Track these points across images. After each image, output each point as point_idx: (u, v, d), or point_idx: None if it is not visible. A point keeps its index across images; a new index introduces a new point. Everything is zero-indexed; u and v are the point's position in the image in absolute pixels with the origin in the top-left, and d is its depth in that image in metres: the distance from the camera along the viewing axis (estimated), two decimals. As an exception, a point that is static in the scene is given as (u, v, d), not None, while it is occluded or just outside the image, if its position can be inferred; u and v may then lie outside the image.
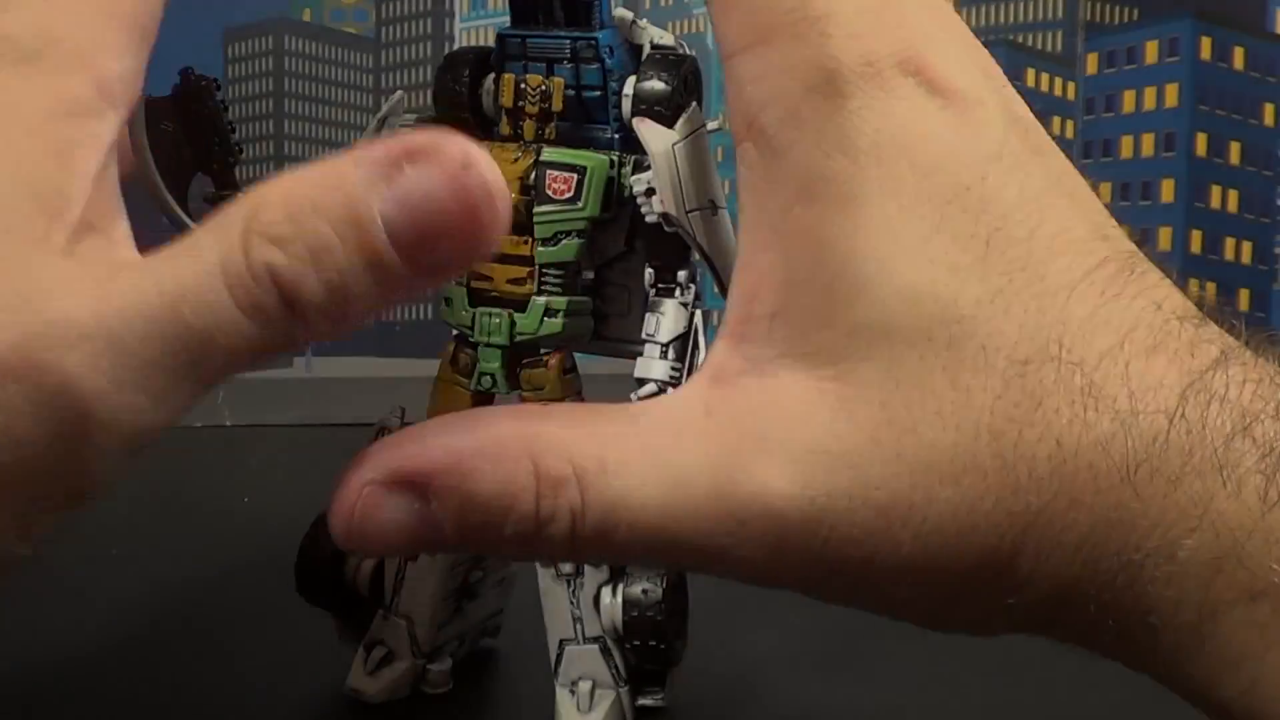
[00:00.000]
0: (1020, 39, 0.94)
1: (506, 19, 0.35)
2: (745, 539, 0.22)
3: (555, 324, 0.35)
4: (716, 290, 0.34)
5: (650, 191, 0.34)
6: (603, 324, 0.38)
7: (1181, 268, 0.86)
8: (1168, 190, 0.87)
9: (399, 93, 0.37)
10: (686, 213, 0.33)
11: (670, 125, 0.34)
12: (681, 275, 0.35)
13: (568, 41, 0.34)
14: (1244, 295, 0.83)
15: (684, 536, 0.22)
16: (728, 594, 0.36)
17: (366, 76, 0.87)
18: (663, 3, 0.91)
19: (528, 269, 0.35)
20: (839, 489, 0.22)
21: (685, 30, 0.91)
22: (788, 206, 0.23)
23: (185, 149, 0.33)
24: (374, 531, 0.22)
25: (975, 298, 0.22)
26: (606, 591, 0.36)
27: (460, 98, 0.36)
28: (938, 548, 0.21)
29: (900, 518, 0.21)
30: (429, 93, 0.37)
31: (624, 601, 0.36)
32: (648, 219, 0.34)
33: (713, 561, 0.23)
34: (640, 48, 0.35)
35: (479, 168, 0.20)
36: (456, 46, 0.83)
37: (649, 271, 0.36)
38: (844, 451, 0.22)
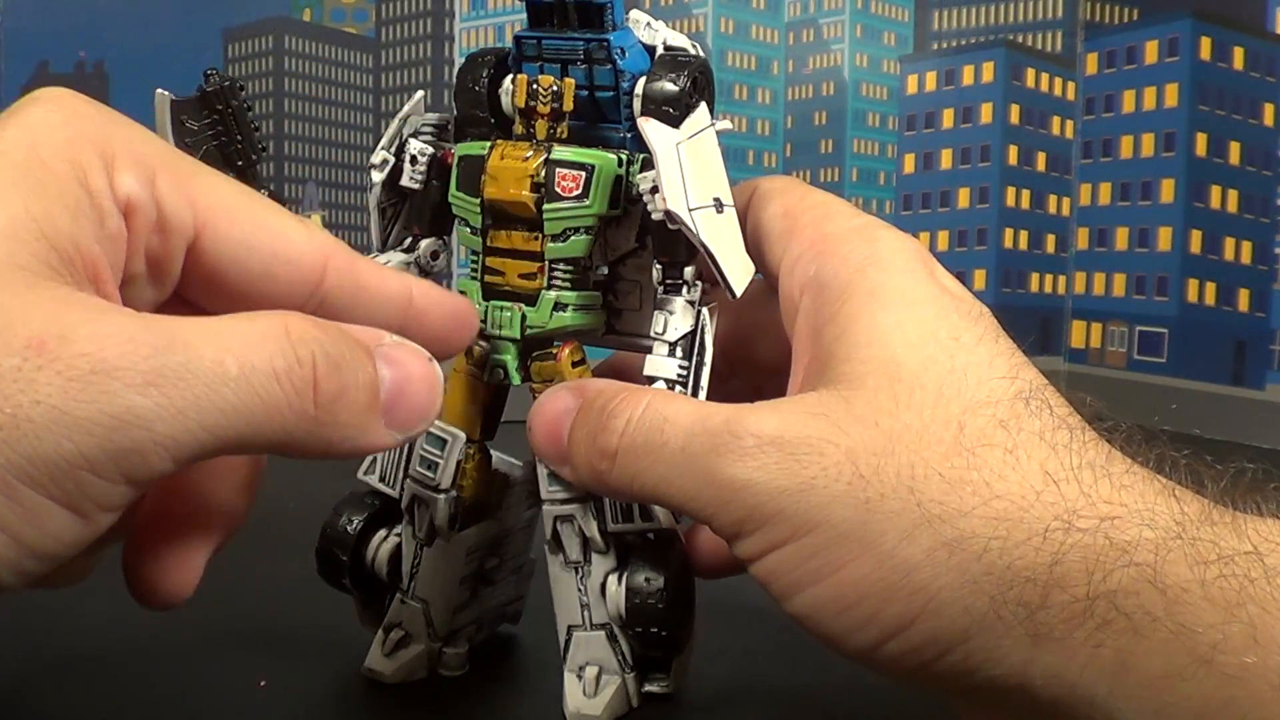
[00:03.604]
0: (1020, 39, 0.95)
1: (506, 19, 0.36)
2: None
3: (565, 318, 0.36)
4: (723, 287, 0.35)
5: (655, 189, 0.34)
6: (615, 318, 0.38)
7: (1181, 267, 0.86)
8: (1168, 190, 0.87)
9: (420, 93, 0.38)
10: (690, 210, 0.34)
11: (677, 125, 0.35)
12: (688, 272, 0.36)
13: (581, 43, 0.35)
14: (1244, 295, 0.83)
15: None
16: (733, 586, 0.37)
17: (366, 76, 0.87)
18: (663, 3, 0.91)
19: (538, 264, 0.36)
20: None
21: (684, 30, 0.91)
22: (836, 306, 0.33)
23: (209, 147, 0.34)
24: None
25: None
26: (613, 579, 0.37)
27: (480, 98, 0.37)
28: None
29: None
30: (431, 93, 0.38)
31: (627, 589, 0.36)
32: (653, 216, 0.34)
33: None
34: (654, 49, 0.36)
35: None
36: (457, 46, 0.83)
37: (656, 268, 0.36)
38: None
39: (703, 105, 0.35)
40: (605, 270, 0.37)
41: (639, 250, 0.37)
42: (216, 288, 0.29)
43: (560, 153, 0.35)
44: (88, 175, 0.26)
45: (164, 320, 0.25)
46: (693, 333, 0.36)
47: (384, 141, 0.38)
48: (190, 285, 0.29)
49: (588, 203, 0.35)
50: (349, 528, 0.40)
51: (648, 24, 0.36)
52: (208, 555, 0.30)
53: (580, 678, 0.38)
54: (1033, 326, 0.94)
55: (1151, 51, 0.88)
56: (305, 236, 0.30)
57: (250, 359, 0.25)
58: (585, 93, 0.36)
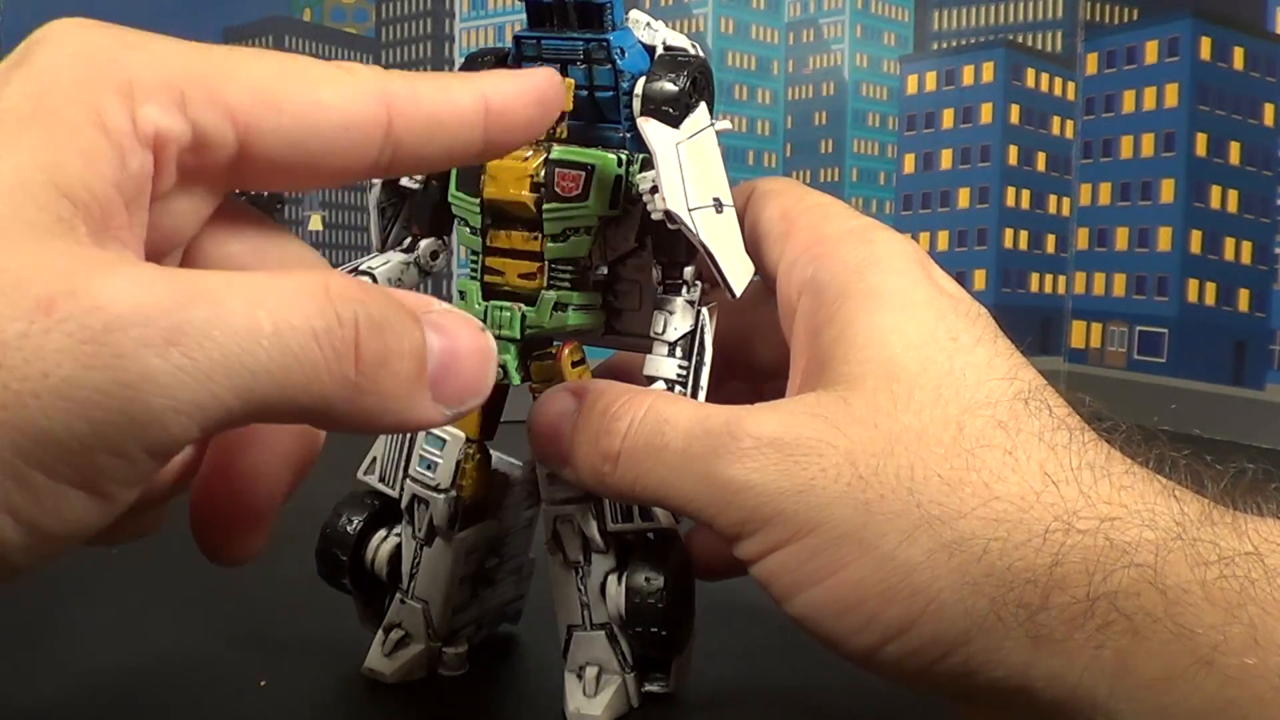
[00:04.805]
0: (1020, 39, 0.95)
1: (506, 19, 0.36)
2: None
3: (564, 318, 0.36)
4: (722, 287, 0.35)
5: (655, 189, 0.34)
6: (615, 318, 0.38)
7: (1181, 267, 0.86)
8: (1168, 190, 0.87)
9: None
10: (690, 210, 0.34)
11: (676, 125, 0.35)
12: (688, 272, 0.36)
13: (581, 43, 0.35)
14: (1244, 295, 0.83)
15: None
16: (733, 586, 0.37)
17: (366, 76, 0.87)
18: (663, 3, 0.91)
19: (538, 264, 0.36)
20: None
21: (684, 30, 0.92)
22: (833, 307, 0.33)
23: None
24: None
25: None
26: (613, 579, 0.37)
27: None
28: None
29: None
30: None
31: (627, 588, 0.36)
32: (653, 216, 0.34)
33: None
34: (654, 49, 0.36)
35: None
36: (457, 46, 0.83)
37: (656, 268, 0.36)
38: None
39: (702, 105, 0.35)
40: (605, 270, 0.37)
41: (639, 250, 0.37)
42: (279, 173, 0.27)
43: (560, 153, 0.35)
44: (103, 116, 0.24)
45: (188, 273, 0.22)
46: (692, 333, 0.36)
47: (384, 141, 0.38)
48: (249, 179, 0.27)
49: (587, 203, 0.35)
50: (349, 528, 0.40)
51: (647, 24, 0.36)
52: (275, 510, 0.28)
53: (580, 678, 0.38)
54: (1033, 326, 0.94)
55: (1151, 51, 0.88)
56: (360, 93, 0.26)
57: (286, 316, 0.22)
58: (585, 93, 0.36)
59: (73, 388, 0.21)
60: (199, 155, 0.26)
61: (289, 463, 0.28)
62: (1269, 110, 0.80)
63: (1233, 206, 0.83)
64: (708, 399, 0.35)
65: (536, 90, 0.29)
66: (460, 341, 0.26)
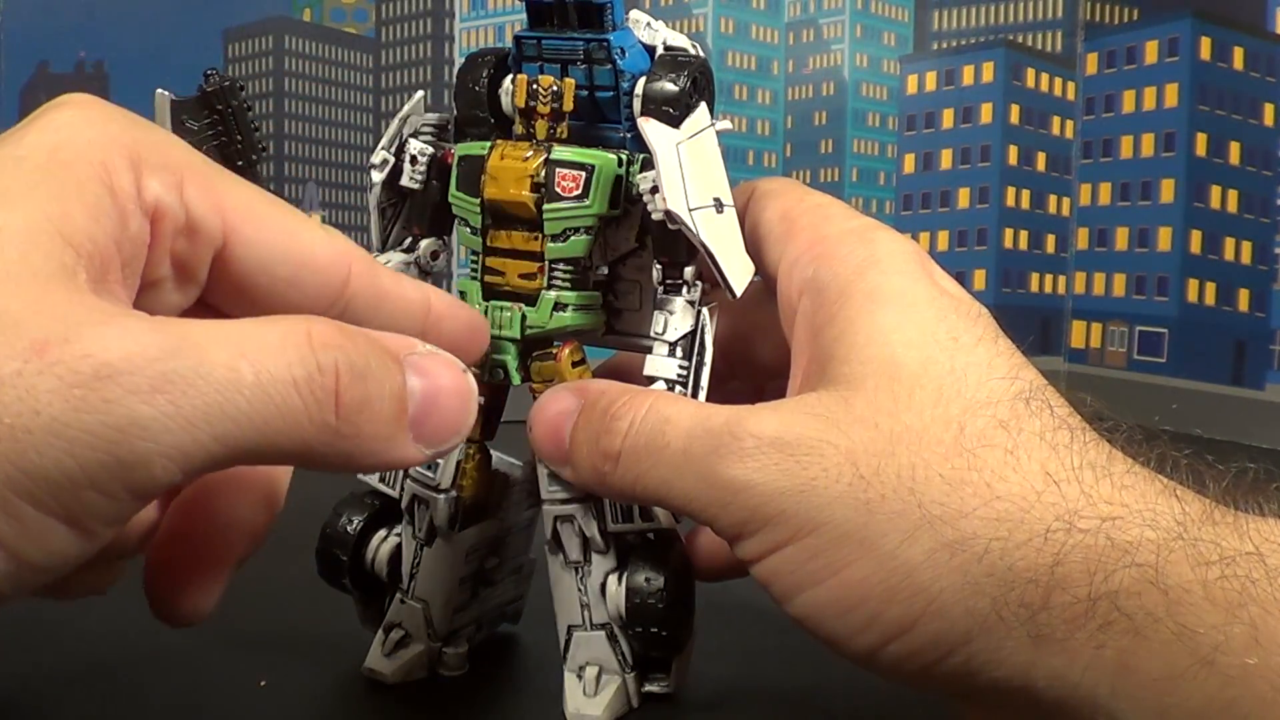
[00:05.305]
0: (1020, 39, 0.95)
1: (506, 19, 0.36)
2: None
3: (565, 318, 0.36)
4: (722, 287, 0.35)
5: (655, 189, 0.34)
6: (615, 318, 0.38)
7: (1181, 267, 0.86)
8: (1168, 190, 0.87)
9: (420, 93, 0.38)
10: (690, 210, 0.34)
11: (677, 125, 0.35)
12: (688, 272, 0.36)
13: (581, 43, 0.35)
14: (1244, 295, 0.83)
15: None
16: (733, 586, 0.37)
17: (366, 76, 0.87)
18: (663, 3, 0.91)
19: (538, 264, 0.36)
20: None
21: (684, 30, 0.92)
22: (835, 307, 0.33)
23: (209, 147, 0.34)
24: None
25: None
26: (613, 579, 0.37)
27: (480, 98, 0.37)
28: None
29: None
30: (431, 93, 0.38)
31: (627, 589, 0.36)
32: (653, 216, 0.35)
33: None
34: (654, 49, 0.36)
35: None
36: (457, 46, 0.84)
37: (656, 268, 0.36)
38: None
39: (703, 105, 0.35)
40: (605, 270, 0.38)
41: (639, 250, 0.37)
42: (243, 294, 0.28)
43: (560, 153, 0.35)
44: (112, 177, 0.26)
45: (176, 323, 0.24)
46: (693, 333, 0.36)
47: (384, 141, 0.38)
48: (216, 291, 0.28)
49: (588, 203, 0.35)
50: (349, 528, 0.40)
51: (648, 24, 0.36)
52: (227, 574, 0.29)
53: (580, 678, 0.38)
54: (1033, 326, 0.94)
55: (1151, 51, 0.88)
56: (330, 244, 0.29)
57: (267, 365, 0.23)
58: (585, 93, 0.36)
59: (63, 427, 0.22)
60: (190, 242, 0.27)
61: (243, 528, 0.30)
62: (1269, 110, 0.80)
63: (1233, 206, 0.83)
64: (708, 399, 0.35)
65: (469, 315, 0.33)
66: (441, 382, 0.27)
